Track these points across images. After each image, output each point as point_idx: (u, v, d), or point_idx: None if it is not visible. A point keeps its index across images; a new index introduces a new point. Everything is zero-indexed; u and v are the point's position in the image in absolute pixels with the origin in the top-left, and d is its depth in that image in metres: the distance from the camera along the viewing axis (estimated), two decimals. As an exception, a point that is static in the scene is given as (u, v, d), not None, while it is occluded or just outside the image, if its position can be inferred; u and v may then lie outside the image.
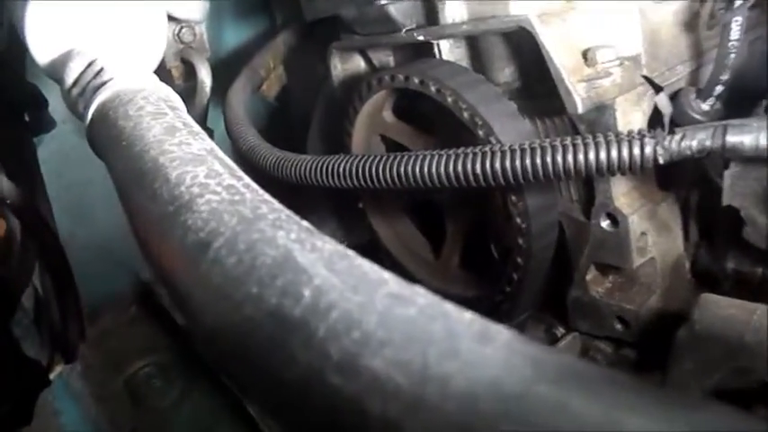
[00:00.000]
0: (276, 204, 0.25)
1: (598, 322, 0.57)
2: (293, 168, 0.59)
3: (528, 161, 0.45)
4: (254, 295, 0.20)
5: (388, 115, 0.66)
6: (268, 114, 0.96)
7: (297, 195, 0.69)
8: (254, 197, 0.25)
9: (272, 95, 0.87)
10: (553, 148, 0.44)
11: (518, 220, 0.54)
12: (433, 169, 0.49)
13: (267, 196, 0.26)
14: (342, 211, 0.86)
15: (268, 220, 0.23)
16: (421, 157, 0.50)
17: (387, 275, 0.20)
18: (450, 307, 0.18)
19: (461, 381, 0.15)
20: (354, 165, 0.54)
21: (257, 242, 0.22)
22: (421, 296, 0.19)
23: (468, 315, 0.18)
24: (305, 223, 0.23)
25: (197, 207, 0.25)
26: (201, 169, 0.28)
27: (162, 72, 0.74)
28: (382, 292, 0.19)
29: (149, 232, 0.26)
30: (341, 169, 0.55)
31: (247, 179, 0.28)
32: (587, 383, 0.15)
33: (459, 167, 0.47)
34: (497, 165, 0.46)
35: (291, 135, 0.86)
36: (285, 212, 0.24)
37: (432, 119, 0.62)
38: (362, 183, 0.54)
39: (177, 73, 0.79)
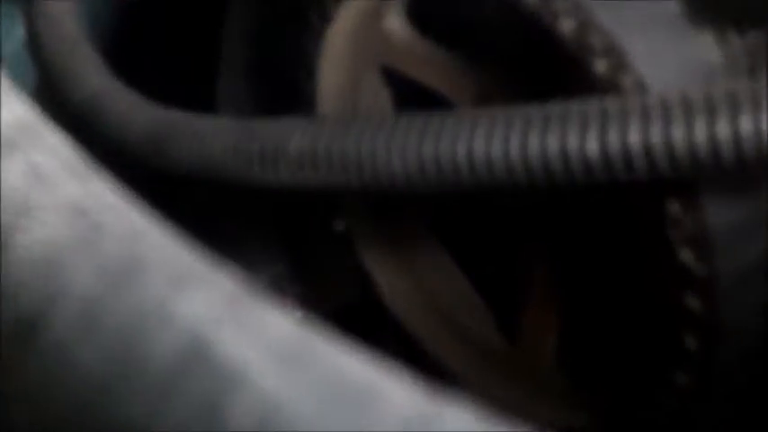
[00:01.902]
0: (165, 234, 0.28)
1: None
2: (191, 145, 0.62)
3: (704, 129, 0.48)
4: (138, 423, 0.22)
5: (395, 26, 0.69)
6: (119, 22, 0.96)
7: (201, 205, 0.72)
8: (121, 221, 0.28)
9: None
10: (755, 96, 0.48)
11: (688, 258, 0.57)
12: (498, 148, 0.51)
13: (144, 217, 0.28)
14: (296, 238, 0.88)
15: (157, 270, 0.26)
16: (471, 120, 0.52)
17: (390, 379, 0.23)
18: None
19: None
20: (326, 140, 0.57)
21: (137, 318, 0.24)
22: (459, 421, 0.21)
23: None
24: (228, 274, 0.26)
25: (6, 249, 0.27)
26: (11, 165, 0.30)
27: None
28: (381, 416, 0.21)
29: None
30: (294, 147, 0.58)
31: (102, 182, 0.31)
32: None
33: (556, 145, 0.50)
34: (636, 137, 0.48)
35: (177, 67, 0.89)
36: (186, 253, 0.27)
37: (489, 36, 0.65)
38: (344, 180, 0.57)
39: None
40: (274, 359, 0.23)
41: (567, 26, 0.57)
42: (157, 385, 0.23)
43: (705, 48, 0.59)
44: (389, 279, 0.77)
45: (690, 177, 0.52)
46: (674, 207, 0.57)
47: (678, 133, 0.48)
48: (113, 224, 0.28)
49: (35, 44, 0.77)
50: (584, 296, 0.69)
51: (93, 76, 0.72)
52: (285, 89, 0.74)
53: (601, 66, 0.57)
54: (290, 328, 0.25)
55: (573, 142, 0.50)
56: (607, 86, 0.56)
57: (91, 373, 0.24)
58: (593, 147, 0.50)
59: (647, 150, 0.49)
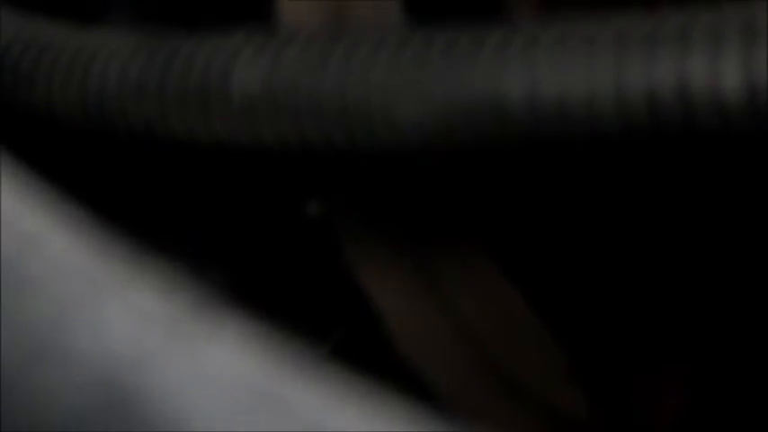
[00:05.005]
0: (61, 230, 0.28)
1: None
2: (65, 75, 0.55)
3: None
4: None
5: None
6: None
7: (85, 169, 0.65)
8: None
9: None
10: None
11: None
12: (577, 81, 0.46)
13: (29, 208, 0.28)
14: (239, 227, 0.79)
15: (51, 287, 0.26)
16: (530, 38, 0.47)
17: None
18: None
19: None
20: (290, 71, 0.52)
21: (25, 355, 0.25)
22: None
23: None
24: (156, 288, 0.26)
25: None
26: None
27: None
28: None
29: None
30: (237, 83, 0.52)
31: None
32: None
33: (670, 74, 0.45)
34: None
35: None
36: (92, 259, 0.27)
37: None
38: (320, 136, 0.51)
39: None
40: (226, 409, 0.23)
41: None
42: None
43: None
44: (392, 296, 0.69)
45: None
46: None
47: None
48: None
49: None
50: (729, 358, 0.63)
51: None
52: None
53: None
54: (247, 365, 0.24)
55: (698, 70, 0.46)
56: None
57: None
58: (731, 75, 0.45)
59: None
